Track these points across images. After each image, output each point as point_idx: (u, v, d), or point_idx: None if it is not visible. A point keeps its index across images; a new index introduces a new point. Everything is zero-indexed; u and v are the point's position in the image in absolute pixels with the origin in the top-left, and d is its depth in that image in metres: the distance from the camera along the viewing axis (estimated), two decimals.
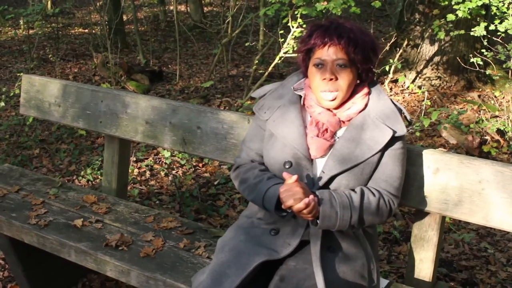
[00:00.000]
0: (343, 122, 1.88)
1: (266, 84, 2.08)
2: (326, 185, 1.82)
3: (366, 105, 1.88)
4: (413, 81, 6.09)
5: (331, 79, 1.79)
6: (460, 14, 4.70)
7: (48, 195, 2.70)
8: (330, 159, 1.82)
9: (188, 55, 8.31)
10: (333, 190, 1.80)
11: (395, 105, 1.89)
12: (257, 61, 5.98)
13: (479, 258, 3.19)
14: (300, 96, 1.94)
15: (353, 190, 1.82)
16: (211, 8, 11.94)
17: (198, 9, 10.05)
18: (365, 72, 1.87)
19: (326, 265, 1.76)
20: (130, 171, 3.92)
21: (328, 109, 1.87)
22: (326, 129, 1.85)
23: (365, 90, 1.88)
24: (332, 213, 1.74)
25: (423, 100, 5.47)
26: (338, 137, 1.87)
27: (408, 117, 1.92)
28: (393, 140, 1.84)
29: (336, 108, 1.86)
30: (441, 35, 5.17)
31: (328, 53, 1.80)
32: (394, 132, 1.82)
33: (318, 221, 1.75)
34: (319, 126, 1.85)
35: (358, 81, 1.88)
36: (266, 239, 1.85)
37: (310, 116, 1.89)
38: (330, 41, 1.79)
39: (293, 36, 5.04)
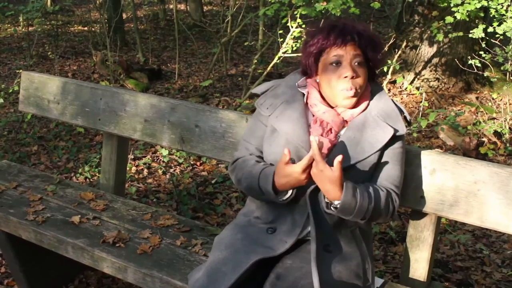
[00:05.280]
0: (346, 122, 1.89)
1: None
2: None
3: (367, 105, 1.89)
4: (412, 82, 6.10)
5: (352, 77, 1.81)
6: (458, 16, 4.71)
7: (46, 192, 2.71)
8: (332, 156, 1.83)
9: (187, 54, 8.32)
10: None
11: (395, 105, 1.91)
12: (256, 61, 5.98)
13: (475, 259, 3.21)
14: (303, 94, 1.95)
15: (366, 185, 1.82)
16: (211, 7, 11.95)
17: (197, 8, 10.05)
18: (375, 70, 1.91)
19: (322, 264, 1.76)
20: (128, 168, 3.93)
21: (333, 108, 1.88)
22: (331, 129, 1.85)
23: (369, 89, 1.91)
24: (352, 202, 1.73)
25: (421, 101, 5.49)
26: (340, 135, 1.88)
27: (408, 118, 1.94)
28: (393, 139, 1.85)
29: (353, 106, 1.87)
30: (440, 37, 5.19)
31: (347, 50, 1.81)
32: (396, 131, 1.84)
33: (333, 207, 1.76)
34: (324, 125, 1.85)
35: None
36: (262, 237, 1.86)
37: (313, 115, 1.90)
38: (351, 39, 1.80)
39: (292, 36, 5.05)
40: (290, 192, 1.83)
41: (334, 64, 1.83)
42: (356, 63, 1.82)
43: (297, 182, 1.77)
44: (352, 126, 1.86)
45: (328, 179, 1.70)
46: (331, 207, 1.78)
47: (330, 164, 1.79)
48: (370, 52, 1.83)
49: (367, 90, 1.90)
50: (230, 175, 2.03)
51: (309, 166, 1.72)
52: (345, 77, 1.81)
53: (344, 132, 1.88)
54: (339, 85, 1.82)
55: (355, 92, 1.82)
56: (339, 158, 1.68)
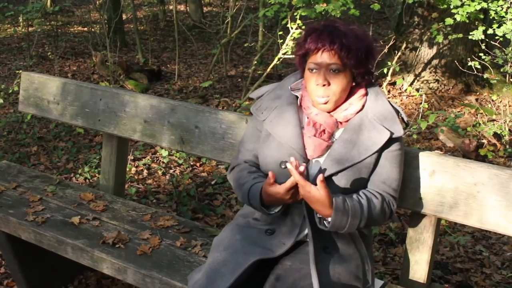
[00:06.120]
0: (340, 123, 1.88)
1: (264, 85, 2.09)
2: None
3: (363, 106, 1.88)
4: (411, 83, 6.10)
5: (324, 85, 1.81)
6: (458, 18, 4.71)
7: (46, 192, 2.71)
8: (328, 158, 1.83)
9: (187, 55, 8.32)
10: (346, 195, 1.79)
11: (392, 106, 1.90)
12: (255, 62, 5.98)
13: (474, 260, 3.21)
14: (297, 97, 1.95)
15: (359, 194, 1.83)
16: (211, 8, 11.95)
17: (197, 9, 10.05)
18: (360, 75, 1.87)
19: (322, 266, 1.77)
20: (127, 169, 3.93)
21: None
22: (324, 130, 1.86)
23: (362, 91, 1.89)
24: (343, 219, 1.74)
25: (421, 103, 5.49)
26: (335, 139, 1.88)
27: (405, 119, 1.93)
28: (390, 141, 1.84)
29: (331, 110, 1.87)
30: (440, 38, 5.19)
31: (322, 58, 1.80)
32: (392, 133, 1.83)
33: (327, 222, 1.77)
34: (317, 127, 1.86)
35: (353, 83, 1.89)
36: (261, 239, 1.87)
37: (307, 117, 1.91)
38: (322, 47, 1.79)
39: (292, 37, 5.04)
40: (280, 206, 1.85)
41: (311, 70, 1.83)
42: (331, 70, 1.81)
43: (282, 202, 1.80)
44: (348, 128, 1.86)
45: (315, 199, 1.71)
46: (324, 222, 1.79)
47: (328, 164, 1.80)
48: (345, 59, 1.79)
49: (358, 92, 1.88)
50: (230, 182, 2.05)
51: (292, 188, 1.74)
52: (317, 84, 1.81)
53: (340, 134, 1.88)
54: (314, 91, 1.83)
55: (327, 100, 1.82)
56: (320, 177, 1.68)
